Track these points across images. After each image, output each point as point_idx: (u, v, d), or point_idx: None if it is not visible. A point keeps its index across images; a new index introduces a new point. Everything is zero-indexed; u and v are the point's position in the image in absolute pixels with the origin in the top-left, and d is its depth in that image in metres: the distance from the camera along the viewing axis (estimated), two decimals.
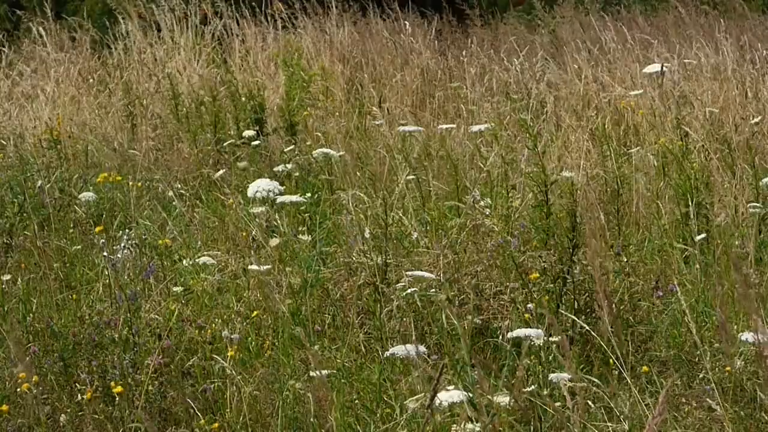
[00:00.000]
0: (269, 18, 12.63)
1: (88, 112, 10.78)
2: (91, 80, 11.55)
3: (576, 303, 5.30)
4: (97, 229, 6.03)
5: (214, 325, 5.23)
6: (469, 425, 3.29)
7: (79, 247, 6.46)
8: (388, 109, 10.22)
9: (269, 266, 5.45)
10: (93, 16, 13.12)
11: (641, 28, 12.09)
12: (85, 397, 4.80)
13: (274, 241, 5.52)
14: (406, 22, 12.45)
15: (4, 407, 4.65)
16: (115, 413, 4.73)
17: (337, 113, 9.99)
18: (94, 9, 13.96)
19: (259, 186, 5.18)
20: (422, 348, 3.98)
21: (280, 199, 5.33)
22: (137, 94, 10.64)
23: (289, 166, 7.14)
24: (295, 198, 5.54)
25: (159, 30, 12.05)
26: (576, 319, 4.98)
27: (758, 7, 14.78)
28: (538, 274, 5.29)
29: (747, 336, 4.30)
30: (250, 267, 5.42)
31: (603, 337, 4.66)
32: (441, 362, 3.13)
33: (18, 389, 4.80)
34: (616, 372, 4.38)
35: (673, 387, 4.81)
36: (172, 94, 10.13)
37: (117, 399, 4.72)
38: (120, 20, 12.25)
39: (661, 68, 7.25)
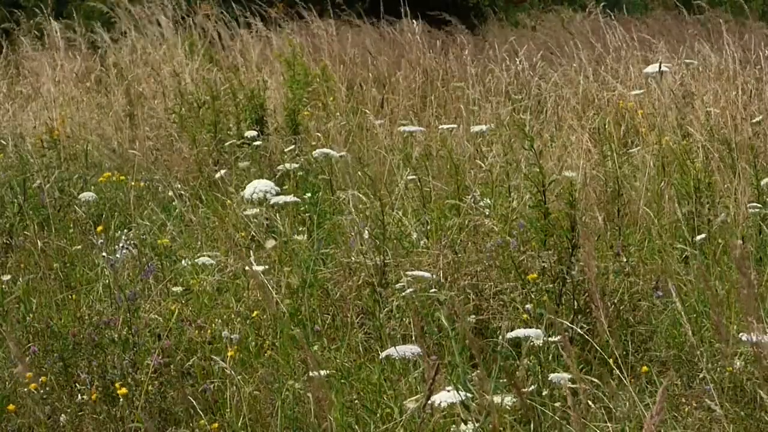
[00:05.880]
0: (270, 18, 12.64)
1: (88, 112, 10.78)
2: (89, 83, 11.56)
3: (575, 303, 5.30)
4: (98, 228, 6.03)
5: (213, 325, 5.23)
6: (464, 426, 3.29)
7: (79, 247, 6.46)
8: (391, 110, 10.23)
9: (267, 267, 5.44)
10: (92, 16, 13.12)
11: (642, 29, 12.08)
12: (86, 397, 4.80)
13: (270, 243, 5.52)
14: (414, 20, 12.45)
15: (11, 407, 4.65)
16: (115, 413, 4.73)
17: (338, 113, 9.99)
18: (93, 9, 13.96)
19: (256, 187, 5.18)
20: (417, 349, 3.98)
21: (274, 199, 5.33)
22: (138, 94, 10.65)
23: (290, 166, 7.14)
24: (289, 198, 5.53)
25: (159, 30, 12.05)
26: (572, 321, 4.97)
27: (758, 8, 14.77)
28: (536, 275, 5.28)
29: (748, 336, 4.28)
30: (248, 267, 5.42)
31: (601, 337, 4.66)
32: (436, 362, 3.13)
33: (18, 389, 4.80)
34: (616, 372, 4.37)
35: (672, 387, 4.81)
36: (172, 94, 10.14)
37: (118, 399, 4.72)
38: (118, 20, 12.26)
39: (659, 67, 7.24)
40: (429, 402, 3.16)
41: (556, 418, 4.21)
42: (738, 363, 4.69)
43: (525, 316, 4.99)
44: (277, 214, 5.79)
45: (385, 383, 4.59)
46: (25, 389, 4.69)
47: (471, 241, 5.88)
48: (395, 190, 6.55)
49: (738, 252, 5.08)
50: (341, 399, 4.56)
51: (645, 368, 4.82)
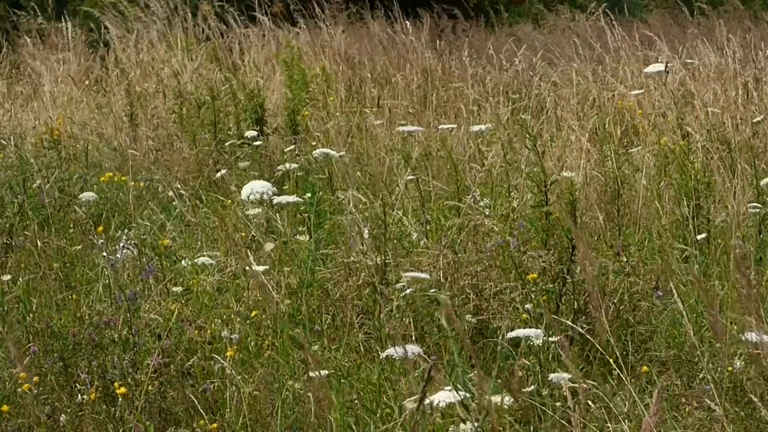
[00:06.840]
0: (269, 18, 12.64)
1: (88, 112, 10.78)
2: (87, 82, 11.56)
3: (576, 303, 5.30)
4: (99, 228, 6.03)
5: (213, 325, 5.23)
6: (463, 426, 3.29)
7: (79, 247, 6.46)
8: (389, 109, 10.22)
9: (266, 267, 5.44)
10: (92, 16, 13.12)
11: (644, 28, 12.08)
12: (86, 397, 4.80)
13: (269, 246, 5.52)
14: (407, 21, 12.45)
15: (5, 407, 4.65)
16: (115, 413, 4.73)
17: (338, 113, 9.99)
18: (93, 9, 13.96)
19: (253, 188, 5.18)
20: (417, 348, 3.97)
21: (276, 199, 5.33)
22: (138, 94, 10.65)
23: (290, 166, 7.14)
24: (291, 198, 5.54)
25: (160, 30, 12.05)
26: (572, 322, 4.97)
27: (759, 7, 14.77)
28: (536, 275, 5.28)
29: (750, 335, 4.28)
30: (247, 268, 5.42)
31: (601, 337, 4.66)
32: (430, 363, 3.12)
33: (18, 389, 4.80)
34: (616, 372, 4.37)
35: (672, 387, 4.81)
36: (173, 94, 10.13)
37: (117, 399, 4.72)
38: (117, 21, 12.27)
39: (666, 67, 7.23)
40: (423, 401, 3.16)
41: (557, 417, 4.21)
42: (738, 363, 4.69)
43: (525, 316, 4.99)
44: (277, 215, 5.79)
45: (385, 383, 4.59)
46: (26, 389, 4.69)
47: (471, 241, 5.88)
48: (395, 190, 6.56)
49: (738, 252, 5.08)
50: (341, 399, 4.56)
51: (645, 368, 4.82)
